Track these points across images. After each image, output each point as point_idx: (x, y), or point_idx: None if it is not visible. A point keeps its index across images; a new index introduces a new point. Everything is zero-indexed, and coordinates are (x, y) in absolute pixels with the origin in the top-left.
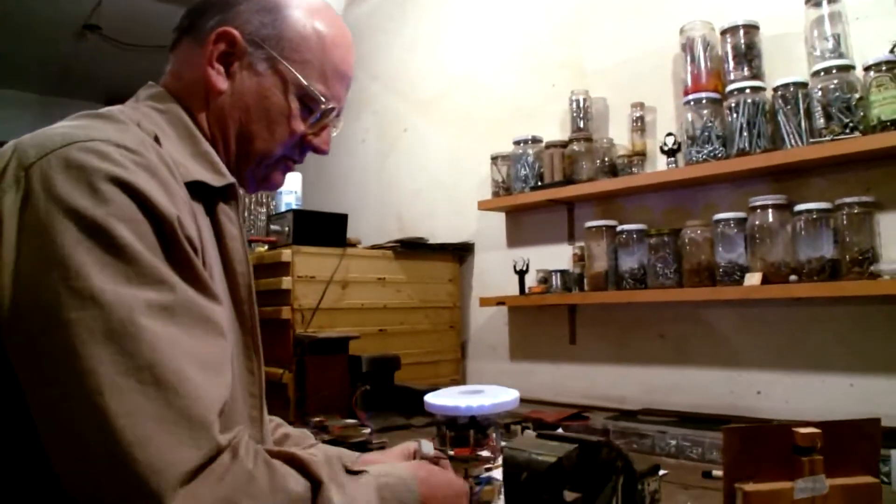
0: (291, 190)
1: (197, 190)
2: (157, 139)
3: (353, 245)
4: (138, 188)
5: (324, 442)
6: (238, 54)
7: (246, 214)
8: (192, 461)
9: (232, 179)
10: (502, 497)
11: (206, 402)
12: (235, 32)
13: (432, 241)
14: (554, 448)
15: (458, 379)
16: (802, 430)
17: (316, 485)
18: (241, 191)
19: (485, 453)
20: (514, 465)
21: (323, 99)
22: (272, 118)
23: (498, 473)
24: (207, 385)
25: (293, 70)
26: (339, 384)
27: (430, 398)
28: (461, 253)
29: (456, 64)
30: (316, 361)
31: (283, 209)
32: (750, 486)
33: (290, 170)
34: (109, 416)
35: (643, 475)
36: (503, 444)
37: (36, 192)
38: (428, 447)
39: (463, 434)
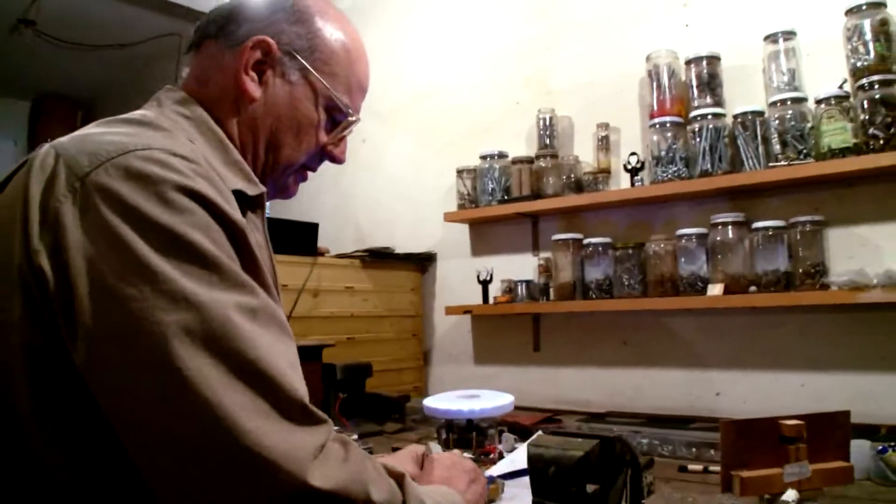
0: None
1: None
2: (193, 146)
3: (323, 254)
4: (207, 196)
5: None
6: (272, 63)
7: None
8: (315, 443)
9: (263, 188)
10: (504, 494)
11: (304, 396)
12: (272, 42)
13: (392, 250)
14: (578, 444)
15: (421, 386)
16: (789, 423)
17: (400, 477)
18: None
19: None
20: (541, 461)
21: (349, 111)
22: (301, 128)
23: (495, 471)
24: (298, 383)
25: (324, 82)
26: (313, 392)
27: (430, 402)
28: (424, 263)
29: (418, 77)
30: None
31: None
32: (745, 473)
33: (305, 179)
34: (227, 413)
35: (644, 468)
36: (524, 443)
37: (97, 202)
38: (437, 450)
39: (464, 436)
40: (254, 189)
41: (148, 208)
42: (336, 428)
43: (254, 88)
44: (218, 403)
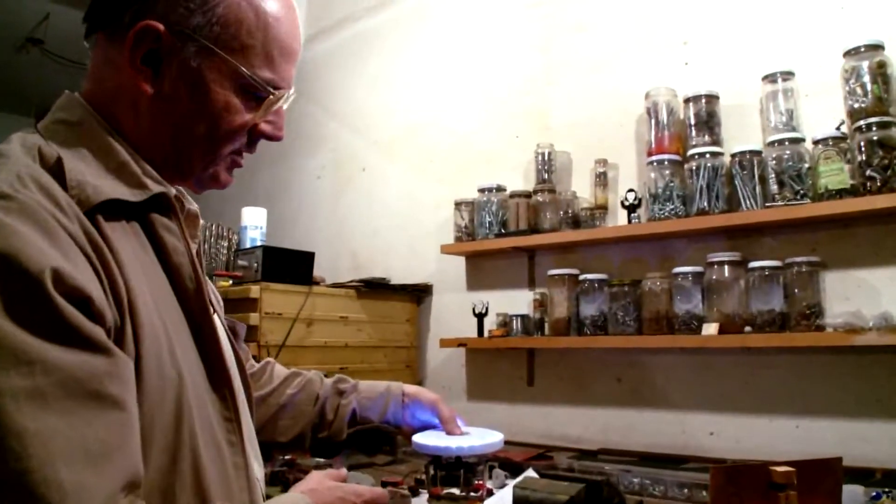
0: (257, 225)
1: (119, 208)
2: (58, 161)
3: (318, 283)
4: (5, 253)
5: (297, 480)
6: (166, 51)
7: (206, 247)
8: None
9: (157, 190)
10: None
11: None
12: (159, 26)
13: (388, 280)
14: (564, 488)
15: None
16: (779, 469)
17: None
18: (193, 205)
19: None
20: None
21: (269, 88)
22: (214, 117)
23: None
24: (91, 481)
25: (232, 59)
26: None
27: (419, 438)
28: (419, 294)
29: (418, 107)
30: None
31: (247, 244)
32: None
33: (240, 165)
34: None
35: None
36: (510, 483)
37: None
38: (368, 482)
39: (452, 473)
40: (139, 194)
41: None
42: None
43: (147, 85)
44: None
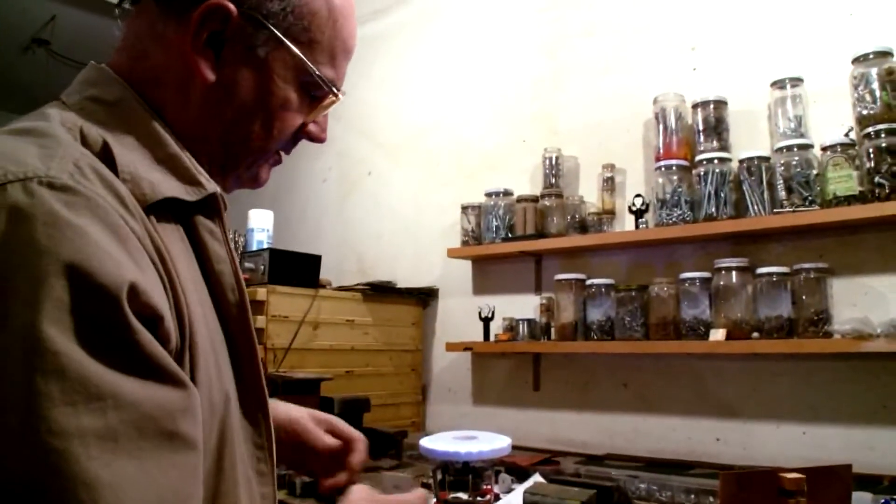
0: (263, 227)
1: (167, 206)
2: (105, 147)
3: (324, 286)
4: (67, 257)
5: (304, 484)
6: (231, 35)
7: None
8: None
9: (212, 189)
10: None
11: None
12: (231, 7)
13: (394, 284)
14: (576, 493)
15: (419, 422)
16: (789, 476)
17: None
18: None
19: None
20: None
21: (332, 88)
22: (272, 113)
23: None
24: None
25: (301, 54)
26: None
27: (426, 443)
28: (425, 298)
29: (425, 111)
30: (288, 402)
31: (254, 246)
32: None
33: (279, 163)
34: None
35: None
36: (520, 488)
37: None
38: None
39: (460, 479)
40: (196, 192)
41: None
42: None
43: (209, 71)
44: None
